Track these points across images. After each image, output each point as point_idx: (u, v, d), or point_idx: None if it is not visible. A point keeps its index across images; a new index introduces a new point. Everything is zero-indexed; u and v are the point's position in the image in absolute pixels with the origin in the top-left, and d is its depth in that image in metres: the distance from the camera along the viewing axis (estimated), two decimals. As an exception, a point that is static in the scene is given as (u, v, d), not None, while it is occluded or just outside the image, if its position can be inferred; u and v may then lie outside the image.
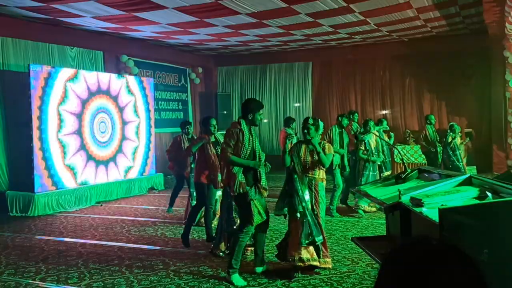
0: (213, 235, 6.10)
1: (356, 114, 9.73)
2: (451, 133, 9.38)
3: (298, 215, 4.74)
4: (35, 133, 8.70)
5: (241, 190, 4.68)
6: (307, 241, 4.67)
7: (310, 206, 4.82)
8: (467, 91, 12.80)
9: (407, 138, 12.62)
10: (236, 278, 4.70)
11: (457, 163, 9.26)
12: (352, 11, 9.07)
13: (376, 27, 10.78)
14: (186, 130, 8.12)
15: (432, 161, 10.05)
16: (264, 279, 4.84)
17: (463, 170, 9.24)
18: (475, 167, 11.66)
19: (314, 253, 4.80)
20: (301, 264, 4.75)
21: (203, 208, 6.45)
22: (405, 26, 10.79)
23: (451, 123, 9.88)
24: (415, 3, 8.74)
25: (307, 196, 4.83)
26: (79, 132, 9.73)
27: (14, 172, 9.13)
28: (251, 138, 4.80)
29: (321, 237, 4.74)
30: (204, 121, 6.39)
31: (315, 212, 4.85)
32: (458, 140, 9.59)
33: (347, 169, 8.12)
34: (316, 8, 8.81)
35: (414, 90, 13.47)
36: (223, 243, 5.70)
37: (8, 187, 8.99)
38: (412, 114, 13.54)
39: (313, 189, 4.93)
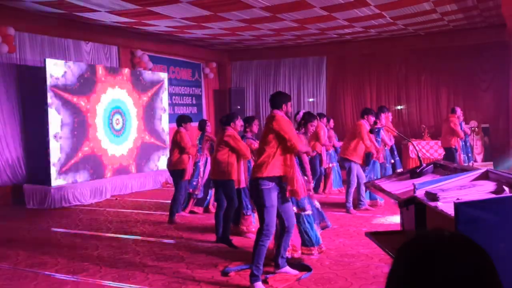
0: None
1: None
2: None
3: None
4: (51, 127, 8.82)
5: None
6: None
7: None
8: (485, 86, 12.60)
9: (423, 133, 12.48)
10: (259, 287, 4.26)
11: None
12: (367, 4, 8.97)
13: (392, 21, 10.65)
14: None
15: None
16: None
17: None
18: (492, 162, 11.50)
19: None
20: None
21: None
22: (421, 19, 10.63)
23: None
24: (431, -4, 8.61)
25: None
26: (94, 125, 9.83)
27: (30, 166, 9.26)
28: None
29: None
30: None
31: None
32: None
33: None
34: (331, 2, 8.73)
35: (431, 85, 13.27)
36: None
37: (25, 181, 9.12)
38: (428, 109, 13.36)
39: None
